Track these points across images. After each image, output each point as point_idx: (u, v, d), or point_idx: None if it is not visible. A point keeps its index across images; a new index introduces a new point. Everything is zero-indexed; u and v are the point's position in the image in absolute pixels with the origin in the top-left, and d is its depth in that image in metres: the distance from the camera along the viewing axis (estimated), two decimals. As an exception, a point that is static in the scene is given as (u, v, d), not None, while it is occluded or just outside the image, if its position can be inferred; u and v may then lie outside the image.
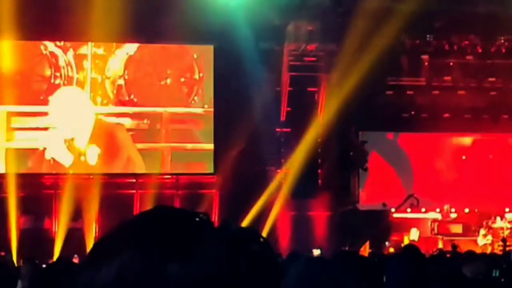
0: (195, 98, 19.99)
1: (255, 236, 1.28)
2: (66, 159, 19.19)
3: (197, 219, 1.25)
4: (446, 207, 20.24)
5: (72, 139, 19.24)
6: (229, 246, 1.23)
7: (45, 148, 19.19)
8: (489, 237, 19.26)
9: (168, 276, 1.18)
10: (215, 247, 1.21)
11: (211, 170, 19.77)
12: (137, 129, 19.65)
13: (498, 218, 19.65)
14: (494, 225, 19.59)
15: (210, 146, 19.76)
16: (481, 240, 19.23)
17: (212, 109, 19.84)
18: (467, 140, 21.11)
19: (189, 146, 19.82)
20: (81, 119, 19.32)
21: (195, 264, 1.18)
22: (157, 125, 19.74)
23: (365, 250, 17.90)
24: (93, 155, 19.29)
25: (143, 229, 1.23)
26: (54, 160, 19.19)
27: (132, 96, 19.65)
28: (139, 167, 19.66)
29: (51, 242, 18.26)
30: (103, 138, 19.38)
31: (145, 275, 1.18)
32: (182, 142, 19.81)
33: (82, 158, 19.27)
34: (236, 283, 1.21)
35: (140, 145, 19.63)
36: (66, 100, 19.31)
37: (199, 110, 19.95)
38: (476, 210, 20.20)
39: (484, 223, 19.68)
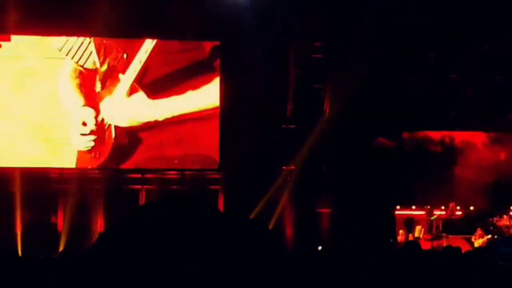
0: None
1: (263, 227, 1.29)
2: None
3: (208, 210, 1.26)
4: (451, 204, 20.20)
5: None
6: (238, 236, 1.23)
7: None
8: (488, 236, 19.16)
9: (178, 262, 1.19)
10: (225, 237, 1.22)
11: (216, 166, 19.75)
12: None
13: (505, 216, 19.62)
14: (499, 223, 19.55)
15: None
16: (476, 240, 19.12)
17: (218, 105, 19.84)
18: (474, 138, 21.05)
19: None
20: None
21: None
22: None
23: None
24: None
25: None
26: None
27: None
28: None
29: (57, 236, 18.29)
30: None
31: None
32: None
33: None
34: (246, 273, 1.21)
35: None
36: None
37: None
38: (479, 208, 20.15)
39: (489, 221, 19.65)
